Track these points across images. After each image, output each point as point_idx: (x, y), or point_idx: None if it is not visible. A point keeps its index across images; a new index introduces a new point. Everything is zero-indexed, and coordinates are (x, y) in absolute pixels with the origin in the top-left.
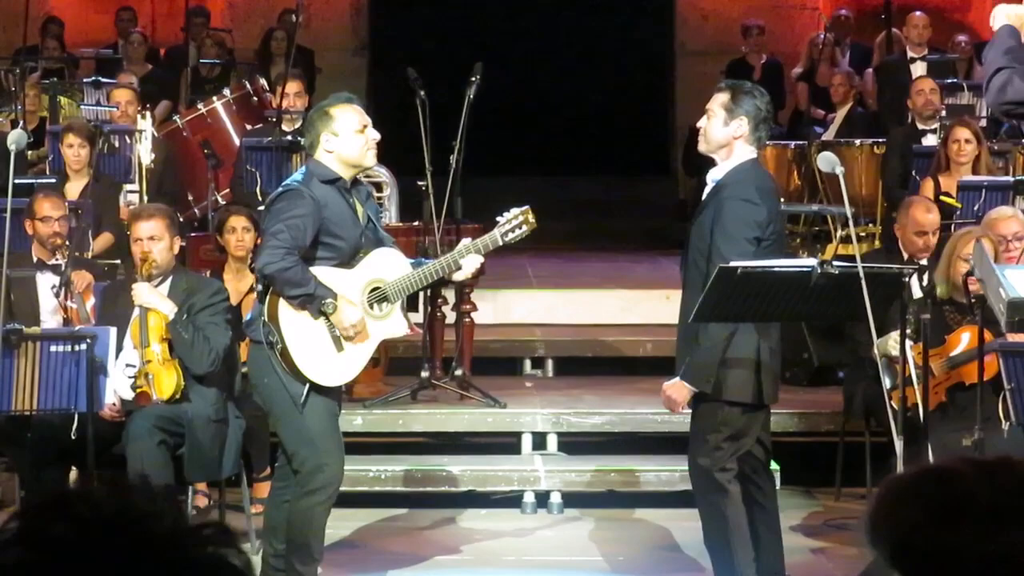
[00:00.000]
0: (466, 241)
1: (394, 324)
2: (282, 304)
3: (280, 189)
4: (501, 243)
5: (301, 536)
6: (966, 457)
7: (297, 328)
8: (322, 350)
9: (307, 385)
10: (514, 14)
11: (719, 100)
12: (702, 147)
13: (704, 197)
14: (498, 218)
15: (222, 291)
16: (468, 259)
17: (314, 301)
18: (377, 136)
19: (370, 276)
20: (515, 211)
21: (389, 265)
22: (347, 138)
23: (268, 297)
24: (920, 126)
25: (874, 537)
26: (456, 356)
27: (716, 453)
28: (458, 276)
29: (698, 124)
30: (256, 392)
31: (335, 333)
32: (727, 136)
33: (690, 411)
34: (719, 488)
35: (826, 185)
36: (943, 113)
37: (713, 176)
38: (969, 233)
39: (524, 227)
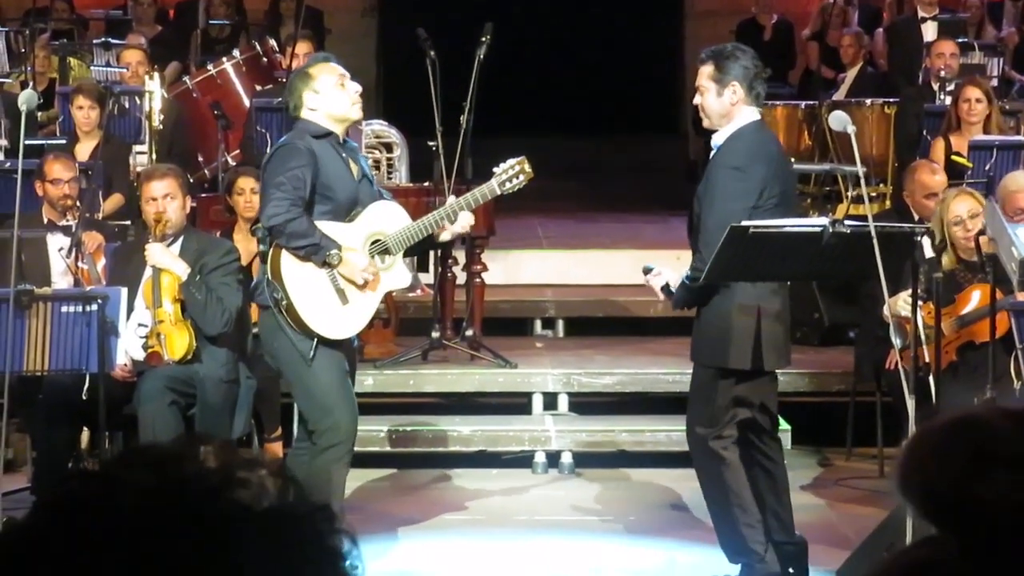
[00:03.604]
0: (452, 199)
1: (397, 276)
2: (284, 259)
3: (274, 147)
4: (499, 192)
5: (321, 495)
6: (995, 407)
7: (301, 283)
8: (327, 303)
9: (315, 340)
10: None
11: (705, 73)
12: (706, 123)
13: (709, 162)
14: (494, 168)
15: (233, 251)
16: (462, 216)
17: (319, 252)
18: (358, 87)
19: (370, 229)
20: (511, 161)
21: (388, 217)
22: (328, 93)
23: (270, 254)
24: (933, 86)
25: (905, 488)
26: (467, 317)
27: (712, 421)
28: (445, 236)
29: (694, 102)
30: (269, 357)
31: (339, 285)
32: (724, 106)
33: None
34: (715, 456)
35: (836, 145)
36: (942, 73)
37: (715, 141)
38: (948, 197)
39: (521, 176)
